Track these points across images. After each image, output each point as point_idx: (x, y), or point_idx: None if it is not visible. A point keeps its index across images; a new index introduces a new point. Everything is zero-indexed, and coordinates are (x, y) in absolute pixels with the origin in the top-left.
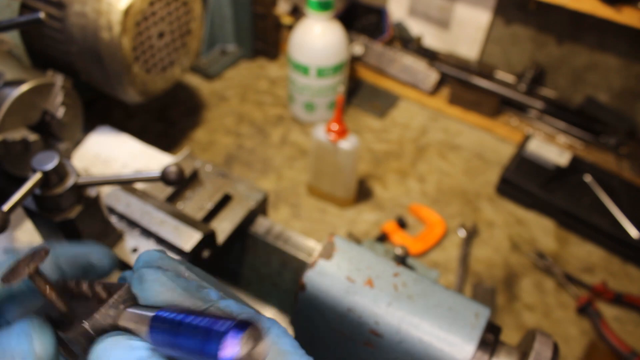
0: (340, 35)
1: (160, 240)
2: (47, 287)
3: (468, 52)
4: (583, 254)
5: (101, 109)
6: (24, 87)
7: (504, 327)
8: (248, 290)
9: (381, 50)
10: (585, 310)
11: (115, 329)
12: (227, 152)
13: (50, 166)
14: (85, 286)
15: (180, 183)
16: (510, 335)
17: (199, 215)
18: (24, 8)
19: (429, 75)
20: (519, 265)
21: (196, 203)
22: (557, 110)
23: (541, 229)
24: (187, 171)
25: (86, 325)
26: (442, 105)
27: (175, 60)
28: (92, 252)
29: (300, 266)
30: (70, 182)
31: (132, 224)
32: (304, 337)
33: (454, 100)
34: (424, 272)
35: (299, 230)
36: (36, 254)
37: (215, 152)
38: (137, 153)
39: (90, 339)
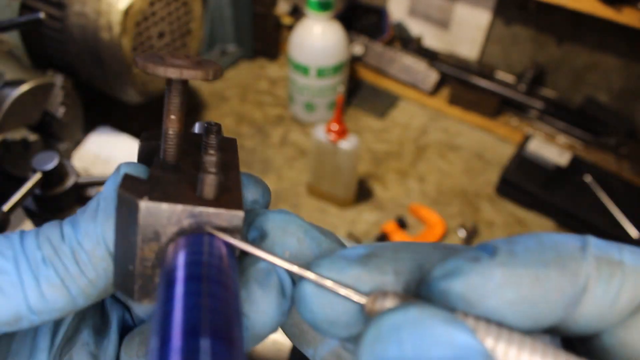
0: (340, 35)
1: None
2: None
3: (468, 52)
4: None
5: (101, 109)
6: (24, 87)
7: None
8: None
9: (381, 50)
10: None
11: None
12: None
13: (50, 166)
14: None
15: None
16: None
17: None
18: (24, 8)
19: (429, 76)
20: None
21: None
22: (557, 110)
23: (541, 229)
24: None
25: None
26: (442, 105)
27: None
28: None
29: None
30: (70, 182)
31: None
32: None
33: (454, 100)
34: None
35: None
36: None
37: None
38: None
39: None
